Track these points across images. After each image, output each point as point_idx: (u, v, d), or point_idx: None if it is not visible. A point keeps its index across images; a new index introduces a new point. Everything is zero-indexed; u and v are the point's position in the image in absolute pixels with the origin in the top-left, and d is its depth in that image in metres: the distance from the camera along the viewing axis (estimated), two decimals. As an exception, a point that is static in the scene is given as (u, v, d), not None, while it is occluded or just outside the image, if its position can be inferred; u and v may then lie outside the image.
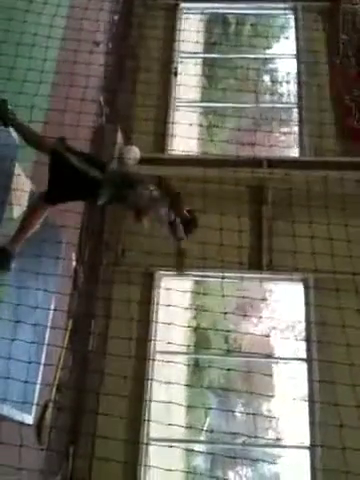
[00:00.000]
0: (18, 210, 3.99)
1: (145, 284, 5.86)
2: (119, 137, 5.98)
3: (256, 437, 5.25)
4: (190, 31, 6.56)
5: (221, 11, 8.17)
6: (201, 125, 7.28)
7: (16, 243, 3.59)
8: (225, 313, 4.29)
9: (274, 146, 6.60)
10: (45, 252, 4.08)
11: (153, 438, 5.31)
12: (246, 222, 5.95)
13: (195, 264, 5.33)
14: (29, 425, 4.20)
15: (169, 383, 4.05)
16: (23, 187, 4.05)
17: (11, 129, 3.81)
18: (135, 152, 6.02)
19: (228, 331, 5.03)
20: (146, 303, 5.54)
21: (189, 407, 5.14)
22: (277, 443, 6.06)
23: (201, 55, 7.86)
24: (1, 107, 3.55)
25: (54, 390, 4.65)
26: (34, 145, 3.74)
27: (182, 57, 7.23)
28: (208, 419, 6.21)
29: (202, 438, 6.02)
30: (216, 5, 7.95)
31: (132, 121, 6.49)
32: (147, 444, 5.17)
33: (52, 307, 4.32)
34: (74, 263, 5.24)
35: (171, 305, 4.27)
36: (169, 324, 4.16)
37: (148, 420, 5.05)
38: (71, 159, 3.49)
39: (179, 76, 6.92)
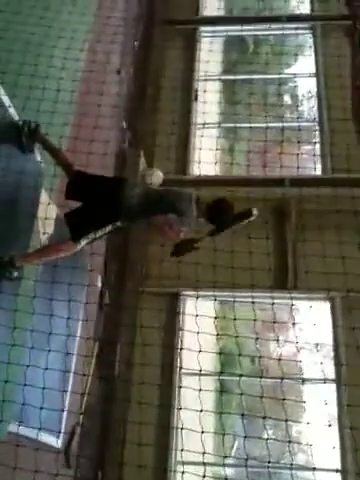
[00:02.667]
0: (44, 237, 4.04)
1: (170, 307, 5.86)
2: (142, 161, 6.03)
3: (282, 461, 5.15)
4: (209, 54, 6.62)
5: (239, 33, 8.23)
6: (220, 147, 7.29)
7: (26, 261, 3.61)
8: (257, 339, 4.25)
9: (295, 165, 6.60)
10: (70, 278, 4.11)
11: (180, 461, 5.26)
12: (270, 242, 5.93)
13: (219, 285, 5.34)
14: (58, 450, 4.21)
15: (195, 410, 4.00)
16: (49, 214, 4.11)
17: (38, 156, 3.90)
18: (158, 175, 6.07)
19: (260, 356, 4.96)
20: (171, 326, 5.53)
21: (216, 433, 5.08)
22: (306, 466, 5.95)
23: (220, 77, 7.93)
24: (28, 127, 3.71)
25: (81, 416, 4.66)
26: (61, 162, 3.82)
27: (201, 80, 7.31)
28: (236, 443, 6.13)
29: (231, 462, 5.95)
30: (234, 28, 8.02)
31: (154, 146, 6.55)
32: (175, 471, 5.13)
33: (78, 333, 4.33)
34: (99, 288, 5.27)
35: (197, 331, 4.24)
36: (199, 351, 4.13)
37: (175, 449, 5.01)
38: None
39: (199, 98, 6.98)
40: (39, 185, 4.02)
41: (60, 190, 4.21)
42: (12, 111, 3.69)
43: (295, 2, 8.50)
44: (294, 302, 6.19)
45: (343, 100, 6.75)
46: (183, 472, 3.91)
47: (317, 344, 5.60)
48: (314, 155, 6.94)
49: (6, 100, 3.62)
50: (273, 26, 7.81)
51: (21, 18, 4.02)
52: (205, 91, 6.74)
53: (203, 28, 7.75)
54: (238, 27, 7.96)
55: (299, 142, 6.48)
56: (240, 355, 5.12)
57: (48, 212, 4.09)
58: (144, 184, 5.70)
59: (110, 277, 5.52)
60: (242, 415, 4.31)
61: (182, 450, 3.92)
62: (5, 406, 3.31)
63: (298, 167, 5.90)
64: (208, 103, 6.63)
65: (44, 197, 4.08)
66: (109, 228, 3.61)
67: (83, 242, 3.60)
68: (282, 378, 4.85)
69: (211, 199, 3.69)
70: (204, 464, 3.85)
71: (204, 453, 3.79)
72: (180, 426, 4.18)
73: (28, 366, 3.49)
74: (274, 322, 4.55)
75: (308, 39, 7.83)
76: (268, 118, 6.74)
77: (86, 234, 3.57)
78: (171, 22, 7.58)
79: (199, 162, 6.19)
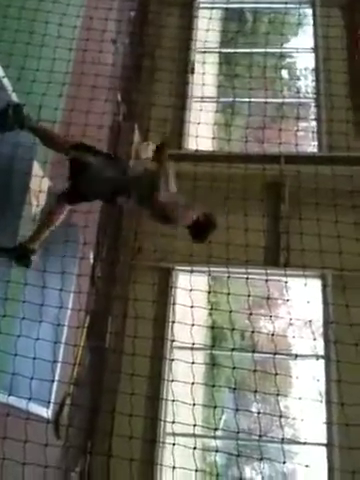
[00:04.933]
0: (37, 209, 4.03)
1: (162, 281, 5.87)
2: (136, 135, 5.98)
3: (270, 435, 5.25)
4: (206, 27, 6.50)
5: (237, 6, 8.08)
6: (216, 122, 7.23)
7: (35, 241, 3.63)
8: (250, 314, 4.30)
9: (291, 142, 6.56)
10: (63, 251, 4.11)
11: (169, 433, 5.35)
12: (263, 219, 5.93)
13: (211, 261, 5.35)
14: (47, 420, 4.25)
15: (185, 382, 4.05)
16: (41, 186, 4.09)
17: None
18: (152, 149, 6.01)
19: (252, 331, 5.02)
20: (163, 301, 5.56)
21: (206, 406, 5.14)
22: (294, 440, 6.06)
23: (218, 50, 7.82)
24: (17, 112, 3.54)
25: (72, 387, 4.70)
26: (52, 147, 3.76)
27: (199, 52, 7.21)
28: (224, 416, 6.23)
29: (219, 434, 6.05)
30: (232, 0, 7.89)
31: (149, 119, 6.48)
32: (163, 442, 5.22)
33: (70, 305, 4.35)
34: (92, 261, 5.27)
35: (189, 305, 4.27)
36: (190, 324, 4.17)
37: (164, 420, 5.08)
38: (90, 160, 3.51)
39: (196, 74, 6.89)
40: (31, 157, 3.98)
41: (53, 162, 4.18)
42: (6, 82, 3.62)
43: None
44: (286, 279, 6.24)
45: (342, 75, 6.69)
46: (174, 444, 3.98)
47: (308, 321, 5.65)
48: (312, 132, 6.92)
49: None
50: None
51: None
52: (203, 63, 6.67)
53: (200, 0, 7.61)
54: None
55: (297, 118, 6.44)
56: (233, 329, 5.17)
57: (40, 184, 4.06)
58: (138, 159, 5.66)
59: (102, 250, 5.52)
60: (233, 389, 4.36)
61: (173, 422, 3.98)
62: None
63: (296, 144, 5.90)
64: (205, 79, 6.55)
65: (36, 169, 4.04)
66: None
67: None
68: (274, 353, 4.89)
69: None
70: (194, 435, 3.91)
71: (194, 425, 3.85)
72: (170, 398, 4.24)
73: (19, 336, 3.51)
74: (268, 298, 4.58)
75: (308, 14, 7.71)
76: (266, 93, 6.68)
77: (81, 201, 3.60)
78: (168, -8, 7.43)
79: (196, 137, 6.15)
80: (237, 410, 4.38)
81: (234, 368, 4.41)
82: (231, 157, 6.23)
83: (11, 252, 3.55)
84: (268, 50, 7.61)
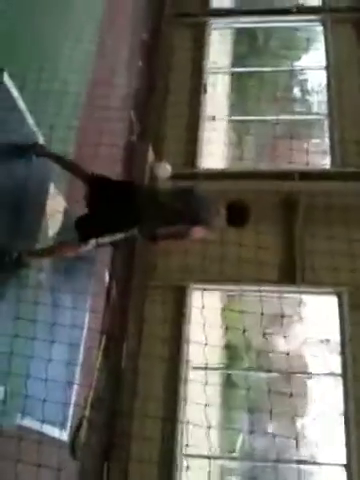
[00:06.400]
0: (53, 231, 4.05)
1: (177, 299, 5.86)
2: (150, 154, 6.01)
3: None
4: (219, 47, 6.58)
5: (249, 25, 8.16)
6: (229, 139, 7.26)
7: (34, 257, 3.62)
8: (265, 334, 4.27)
9: (305, 158, 6.56)
10: (79, 270, 4.12)
11: (186, 454, 5.30)
12: (278, 236, 5.93)
13: (226, 279, 5.34)
14: (64, 442, 4.24)
15: (201, 404, 4.01)
16: (58, 207, 4.11)
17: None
18: (166, 168, 6.05)
19: (268, 352, 4.98)
20: (178, 320, 5.54)
21: (222, 428, 5.10)
22: (312, 461, 5.96)
23: (230, 69, 7.89)
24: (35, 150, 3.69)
25: (88, 408, 4.68)
26: (71, 172, 3.83)
27: (211, 72, 7.27)
28: (241, 436, 6.15)
29: (235, 455, 5.97)
30: (244, 19, 7.95)
31: (163, 137, 6.53)
32: (180, 464, 5.16)
33: (86, 325, 4.35)
34: (107, 280, 5.27)
35: (204, 324, 4.25)
36: (205, 344, 4.14)
37: (181, 442, 5.04)
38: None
39: (209, 91, 6.94)
40: (48, 179, 4.02)
41: (69, 184, 4.22)
42: (21, 104, 3.67)
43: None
44: (301, 296, 6.19)
45: (354, 92, 6.70)
46: (187, 467, 3.94)
47: (324, 339, 5.59)
48: (324, 149, 6.91)
49: (15, 93, 3.60)
50: (284, 18, 7.74)
51: (31, 10, 4.00)
52: (214, 84, 6.71)
53: (212, 20, 7.69)
54: (247, 19, 7.91)
55: (309, 136, 6.45)
56: (247, 350, 5.13)
57: (57, 206, 4.09)
58: (159, 189, 5.70)
59: (117, 269, 5.52)
60: (249, 410, 4.31)
61: (190, 445, 3.94)
62: (12, 399, 3.33)
63: (308, 162, 5.89)
64: (217, 96, 6.60)
65: (53, 191, 4.07)
66: (122, 235, 3.64)
67: (90, 245, 3.61)
68: (290, 372, 4.84)
69: (230, 200, 3.73)
70: (210, 458, 3.88)
71: (210, 447, 3.81)
72: (186, 420, 4.20)
73: (34, 358, 3.51)
74: (282, 316, 4.55)
75: (318, 31, 7.75)
76: (278, 111, 6.71)
77: (95, 238, 3.58)
78: (180, 14, 7.52)
79: (208, 155, 6.19)
80: (252, 432, 4.33)
81: (249, 389, 4.36)
82: (244, 174, 6.26)
83: (5, 254, 3.45)
84: (279, 69, 7.68)
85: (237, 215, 3.74)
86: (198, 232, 3.68)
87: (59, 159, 3.82)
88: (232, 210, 3.74)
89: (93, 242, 3.59)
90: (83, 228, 3.60)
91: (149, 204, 3.63)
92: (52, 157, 3.80)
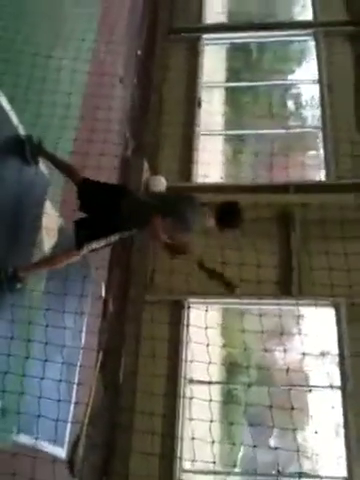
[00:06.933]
0: (48, 247, 4.05)
1: (174, 316, 5.83)
2: (145, 168, 6.04)
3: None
4: (213, 62, 6.64)
5: (242, 41, 8.23)
6: (224, 153, 7.30)
7: (29, 271, 3.61)
8: (265, 350, 4.25)
9: (300, 171, 6.59)
10: (74, 288, 4.11)
11: (185, 470, 5.25)
12: (275, 249, 5.93)
13: (223, 292, 5.31)
14: (62, 458, 4.21)
15: (200, 420, 3.99)
16: (53, 224, 4.12)
17: (42, 166, 3.90)
18: (161, 182, 6.08)
19: (267, 368, 4.96)
20: (176, 336, 5.52)
21: (223, 443, 5.06)
22: (313, 474, 5.91)
23: (224, 85, 7.96)
24: (31, 142, 3.70)
25: (85, 425, 4.65)
26: (65, 173, 3.83)
27: (205, 87, 7.32)
28: (242, 450, 6.09)
29: (237, 469, 5.92)
30: (237, 35, 8.03)
31: (158, 152, 6.56)
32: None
33: (83, 343, 4.33)
34: (103, 297, 5.26)
35: (202, 340, 4.23)
36: (205, 361, 4.12)
37: (181, 458, 5.00)
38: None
39: (203, 106, 6.99)
40: (43, 195, 4.03)
41: (64, 200, 4.22)
42: (14, 119, 3.69)
43: (298, 8, 8.50)
44: (299, 309, 6.18)
45: (347, 105, 6.76)
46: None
47: (323, 352, 5.57)
48: (319, 162, 6.94)
49: (5, 104, 3.61)
50: (276, 33, 7.82)
51: (27, 28, 4.04)
52: (209, 99, 6.77)
53: (206, 36, 7.77)
54: (241, 34, 7.99)
55: (304, 149, 6.49)
56: (247, 367, 5.11)
57: (52, 222, 4.10)
58: (147, 192, 5.73)
59: (114, 286, 5.51)
60: (250, 425, 4.28)
61: (191, 460, 3.90)
62: (9, 416, 3.31)
63: (303, 174, 5.93)
64: (212, 110, 6.65)
65: (48, 207, 4.08)
66: (114, 237, 3.63)
67: (85, 250, 3.60)
68: (290, 386, 4.82)
69: (220, 202, 3.71)
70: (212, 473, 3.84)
71: (211, 462, 3.78)
72: (186, 435, 4.17)
73: (32, 376, 3.49)
74: (281, 334, 4.53)
75: (311, 45, 7.83)
76: (272, 125, 6.75)
77: (89, 242, 3.58)
78: (174, 30, 7.60)
79: (203, 168, 6.21)
80: (254, 447, 4.29)
81: (249, 405, 4.33)
82: (240, 187, 6.28)
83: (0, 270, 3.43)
84: (273, 82, 7.74)
85: (228, 216, 3.66)
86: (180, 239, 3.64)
87: (53, 158, 3.82)
88: (222, 211, 3.67)
89: (87, 247, 3.59)
90: (79, 231, 3.60)
91: (135, 206, 3.62)
92: (47, 155, 3.80)
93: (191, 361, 5.13)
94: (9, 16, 3.81)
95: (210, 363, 4.13)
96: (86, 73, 4.88)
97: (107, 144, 4.66)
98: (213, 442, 3.93)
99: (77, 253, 3.60)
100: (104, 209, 3.59)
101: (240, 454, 6.09)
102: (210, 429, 3.94)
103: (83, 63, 4.76)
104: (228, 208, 3.68)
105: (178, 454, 5.23)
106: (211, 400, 4.11)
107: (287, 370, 4.64)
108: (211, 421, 3.92)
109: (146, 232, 3.70)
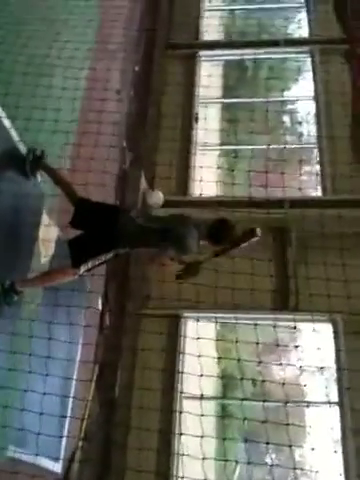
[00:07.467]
0: (45, 258, 4.03)
1: (170, 329, 5.80)
2: (143, 182, 6.05)
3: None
4: (209, 77, 6.68)
5: (238, 57, 8.29)
6: (220, 167, 7.31)
7: (26, 286, 3.62)
8: (259, 362, 4.22)
9: (295, 187, 6.60)
10: (71, 301, 4.08)
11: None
12: (271, 263, 5.91)
13: (219, 307, 5.30)
14: (57, 475, 4.15)
15: (196, 436, 3.93)
16: (50, 235, 4.10)
17: (39, 178, 3.90)
18: (159, 196, 6.09)
19: (263, 380, 4.91)
20: (171, 349, 5.48)
21: (218, 460, 4.99)
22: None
23: (220, 100, 8.01)
24: (33, 155, 3.76)
25: (82, 439, 4.60)
26: (63, 189, 3.83)
27: (202, 103, 7.36)
28: (238, 467, 6.02)
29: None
30: (233, 51, 8.10)
31: (155, 166, 6.57)
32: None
33: (78, 357, 4.29)
34: (100, 310, 5.23)
35: (198, 354, 4.20)
36: (200, 375, 4.08)
37: (176, 475, 4.93)
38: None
39: (200, 121, 7.03)
40: (40, 207, 4.02)
41: (60, 211, 4.21)
42: (13, 133, 3.69)
43: (294, 25, 8.60)
44: (296, 324, 6.15)
45: (342, 122, 6.81)
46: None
47: (320, 367, 5.53)
48: (316, 175, 6.96)
49: (6, 122, 3.62)
50: (272, 50, 7.89)
51: (23, 39, 4.07)
52: (205, 115, 6.80)
53: (203, 52, 7.84)
54: (237, 51, 8.06)
55: (300, 163, 6.52)
56: (242, 379, 5.06)
57: (49, 234, 4.08)
58: (146, 212, 5.71)
59: (110, 299, 5.48)
60: (245, 441, 4.23)
61: (183, 478, 3.84)
62: (4, 431, 3.26)
63: (299, 189, 5.94)
64: (208, 126, 6.67)
65: (45, 219, 4.07)
66: (108, 256, 3.64)
67: (83, 269, 3.60)
68: (286, 402, 4.78)
69: (212, 220, 3.71)
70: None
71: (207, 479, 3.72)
72: (181, 452, 4.11)
73: (27, 391, 3.45)
74: (277, 345, 4.50)
75: (307, 62, 7.90)
76: (268, 141, 6.78)
77: (86, 261, 3.58)
78: (171, 46, 7.67)
79: (200, 182, 6.21)
80: (249, 463, 4.24)
81: (245, 419, 4.29)
82: (236, 202, 6.29)
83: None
84: (269, 99, 7.79)
85: (220, 233, 3.67)
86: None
87: (54, 173, 3.83)
88: (214, 228, 3.68)
89: (85, 266, 3.58)
90: (74, 251, 3.59)
91: (130, 226, 3.62)
92: (47, 169, 3.82)
93: (185, 372, 5.07)
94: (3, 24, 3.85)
95: (202, 375, 4.08)
96: (82, 85, 4.91)
97: (104, 156, 4.66)
98: (203, 459, 3.87)
99: (74, 273, 3.60)
100: (100, 228, 3.61)
101: (237, 470, 6.02)
102: (201, 445, 3.88)
103: (81, 79, 4.80)
104: (219, 225, 3.70)
105: (174, 472, 5.16)
106: (202, 415, 4.05)
107: (283, 384, 4.57)
108: (202, 436, 3.85)
109: (147, 257, 3.73)
